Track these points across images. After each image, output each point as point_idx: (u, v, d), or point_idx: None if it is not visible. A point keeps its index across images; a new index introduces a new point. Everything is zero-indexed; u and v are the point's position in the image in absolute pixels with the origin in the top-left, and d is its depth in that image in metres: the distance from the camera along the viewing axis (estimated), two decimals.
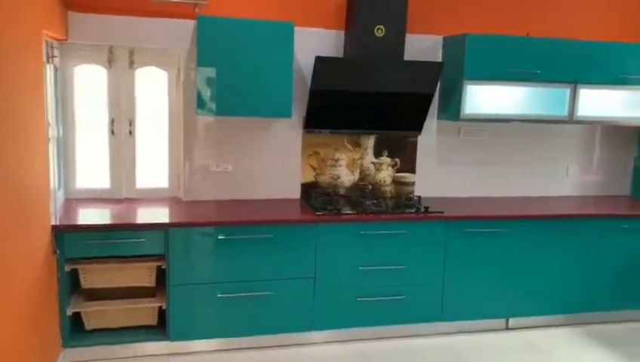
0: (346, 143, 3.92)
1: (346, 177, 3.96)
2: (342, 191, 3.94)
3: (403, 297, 3.57)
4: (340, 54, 3.75)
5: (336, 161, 3.92)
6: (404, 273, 3.54)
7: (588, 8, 4.18)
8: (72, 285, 3.26)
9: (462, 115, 3.71)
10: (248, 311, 3.35)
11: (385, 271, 3.51)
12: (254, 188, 3.81)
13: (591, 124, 4.17)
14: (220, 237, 3.24)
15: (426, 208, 3.60)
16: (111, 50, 3.52)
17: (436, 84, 3.72)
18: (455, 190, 4.16)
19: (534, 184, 4.32)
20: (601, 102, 3.93)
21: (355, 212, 3.50)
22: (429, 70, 3.68)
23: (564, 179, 4.39)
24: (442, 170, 4.13)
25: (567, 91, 3.84)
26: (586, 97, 3.87)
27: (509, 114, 3.80)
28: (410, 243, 3.52)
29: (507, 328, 3.86)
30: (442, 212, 3.57)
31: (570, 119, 3.89)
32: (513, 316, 3.85)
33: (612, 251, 3.86)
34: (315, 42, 3.71)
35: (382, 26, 3.54)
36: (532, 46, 3.73)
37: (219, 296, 3.29)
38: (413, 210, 3.60)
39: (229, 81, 3.35)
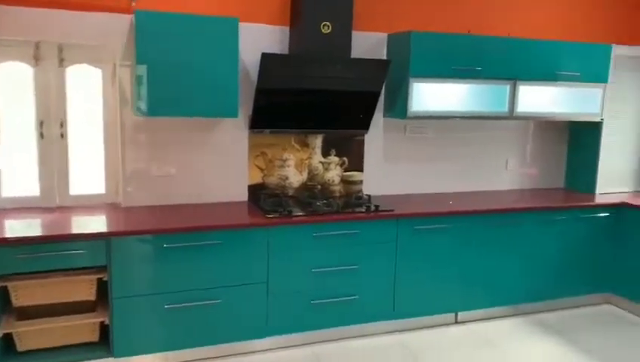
0: (293, 143, 3.83)
1: (295, 178, 3.87)
2: (291, 192, 3.85)
3: (356, 297, 3.54)
4: (286, 51, 3.65)
5: (284, 161, 3.82)
6: (356, 273, 3.51)
7: (527, 7, 4.31)
8: (2, 304, 2.98)
9: (409, 113, 3.71)
10: (198, 322, 3.20)
11: (338, 272, 3.46)
12: (199, 191, 3.65)
13: (530, 119, 4.31)
14: (165, 246, 3.06)
15: (377, 207, 3.57)
16: (37, 46, 3.24)
17: (383, 82, 3.71)
18: (402, 187, 4.18)
19: (477, 178, 4.42)
20: (538, 99, 4.06)
21: (306, 213, 3.42)
22: (375, 68, 3.66)
23: (504, 173, 4.52)
24: (389, 167, 4.13)
25: (508, 88, 3.94)
26: (524, 93, 3.99)
27: (453, 111, 3.85)
28: (361, 243, 3.49)
29: (456, 322, 3.93)
30: (392, 210, 3.56)
31: (511, 115, 4.00)
32: (462, 310, 3.92)
33: (550, 241, 4.01)
34: (259, 38, 3.59)
35: (328, 23, 3.48)
36: (474, 43, 3.79)
37: (165, 307, 3.11)
38: (363, 209, 3.57)
39: (170, 79, 3.17)
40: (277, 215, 3.33)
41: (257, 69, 3.38)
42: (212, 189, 3.67)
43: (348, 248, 3.47)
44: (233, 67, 3.28)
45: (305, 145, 3.86)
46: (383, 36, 3.92)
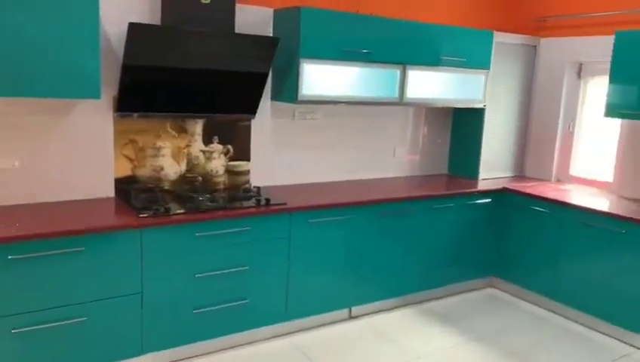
0: (169, 129, 3.34)
1: (171, 168, 3.39)
2: (167, 186, 3.37)
3: (246, 301, 3.19)
4: (158, 22, 3.14)
5: (159, 149, 3.32)
6: (246, 274, 3.15)
7: None
8: None
9: (300, 97, 3.41)
10: (59, 345, 2.65)
11: (225, 276, 3.07)
12: (53, 188, 3.04)
13: (419, 105, 4.22)
14: (10, 257, 2.46)
15: (267, 200, 3.24)
16: None
17: (271, 62, 3.35)
18: (292, 177, 3.88)
19: (366, 166, 4.25)
20: (427, 84, 3.97)
21: (186, 210, 2.98)
22: (262, 46, 3.29)
23: (391, 160, 4.41)
24: (278, 156, 3.80)
25: (398, 73, 3.79)
26: (414, 79, 3.87)
27: (345, 95, 3.61)
28: (252, 241, 3.14)
29: (350, 317, 3.74)
30: (285, 203, 3.25)
31: (401, 101, 3.86)
32: (355, 304, 3.74)
33: (438, 229, 3.97)
34: (126, 6, 3.05)
35: None
36: (365, 25, 3.57)
37: (13, 331, 2.52)
38: (253, 204, 3.21)
39: (9, 51, 2.53)
40: (151, 213, 2.85)
41: (124, 42, 2.85)
42: (69, 185, 3.08)
43: (236, 248, 3.09)
44: (93, 39, 2.71)
45: (183, 131, 3.39)
46: (268, 11, 3.56)
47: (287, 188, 3.71)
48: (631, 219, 3.47)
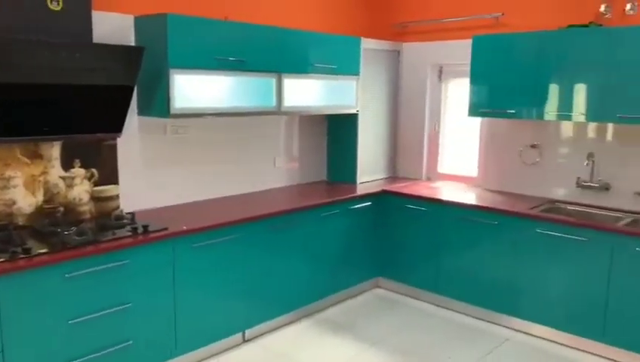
0: (19, 156, 2.87)
1: (25, 201, 2.91)
2: (22, 221, 2.89)
3: (130, 343, 2.84)
4: None
5: (8, 180, 2.83)
6: (128, 313, 2.81)
7: None
8: None
9: (172, 110, 3.13)
10: None
11: (104, 317, 2.71)
12: None
13: (296, 114, 4.14)
14: None
15: (145, 227, 2.92)
16: None
17: (136, 74, 3.02)
18: (169, 198, 3.56)
19: (248, 179, 4.07)
20: (302, 92, 3.91)
21: (50, 249, 2.57)
22: (126, 56, 2.96)
23: (272, 171, 4.28)
24: (151, 176, 3.47)
25: (274, 81, 3.67)
26: (290, 87, 3.78)
27: (222, 107, 3.39)
28: (132, 275, 2.80)
29: (244, 341, 3.53)
30: (166, 228, 2.96)
31: (279, 110, 3.75)
32: (249, 326, 3.54)
33: (324, 237, 3.92)
34: None
35: None
36: (237, 32, 3.40)
37: None
38: (129, 232, 2.87)
39: None
40: (7, 257, 2.41)
41: None
42: None
43: (114, 284, 2.74)
44: None
45: (37, 156, 2.94)
46: (128, 18, 3.23)
47: (164, 211, 3.40)
48: (503, 211, 3.71)
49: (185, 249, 3.02)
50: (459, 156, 4.70)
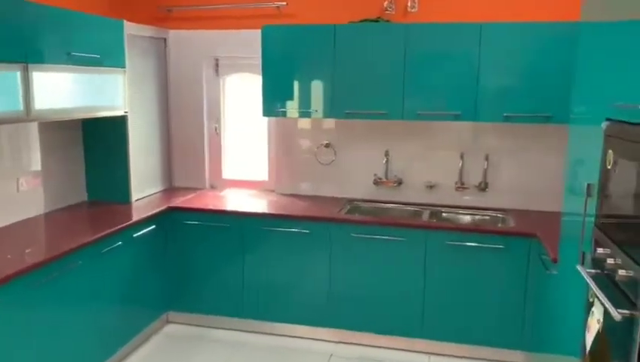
0: None
1: None
2: None
3: None
4: None
5: None
6: None
7: None
8: None
9: None
10: None
11: None
12: None
13: (53, 119, 3.05)
14: None
15: None
16: None
17: None
18: None
19: None
20: (58, 90, 2.90)
21: None
22: None
23: (16, 199, 3.11)
24: None
25: (18, 75, 2.60)
26: (41, 83, 2.74)
27: None
28: None
29: None
30: None
31: (28, 115, 2.68)
32: None
33: (103, 277, 3.02)
34: None
35: None
36: None
37: None
38: None
39: None
40: None
41: None
42: None
43: None
44: None
45: None
46: None
47: None
48: (313, 217, 3.42)
49: None
50: (245, 159, 4.24)
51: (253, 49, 3.72)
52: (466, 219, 3.64)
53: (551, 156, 3.50)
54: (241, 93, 4.13)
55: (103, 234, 2.97)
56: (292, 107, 3.59)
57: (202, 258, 3.62)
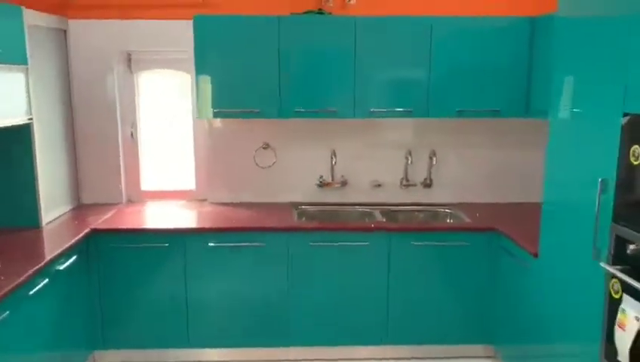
0: None
1: None
2: None
3: None
4: None
5: None
6: None
7: None
8: None
9: None
10: None
11: None
12: None
13: None
14: None
15: None
16: None
17: None
18: None
19: None
20: None
21: None
22: None
23: None
24: None
25: None
26: None
27: None
28: None
29: None
30: None
31: None
32: None
33: (27, 329, 2.44)
34: None
35: None
36: None
37: None
38: None
39: None
40: None
41: None
42: None
43: None
44: None
45: None
46: None
47: None
48: (268, 228, 3.11)
49: None
50: (167, 167, 3.75)
51: (173, 42, 3.31)
52: (420, 216, 3.57)
53: (496, 149, 3.58)
54: (159, 93, 3.64)
55: (28, 273, 2.37)
56: (232, 107, 3.22)
57: (136, 285, 3.11)
